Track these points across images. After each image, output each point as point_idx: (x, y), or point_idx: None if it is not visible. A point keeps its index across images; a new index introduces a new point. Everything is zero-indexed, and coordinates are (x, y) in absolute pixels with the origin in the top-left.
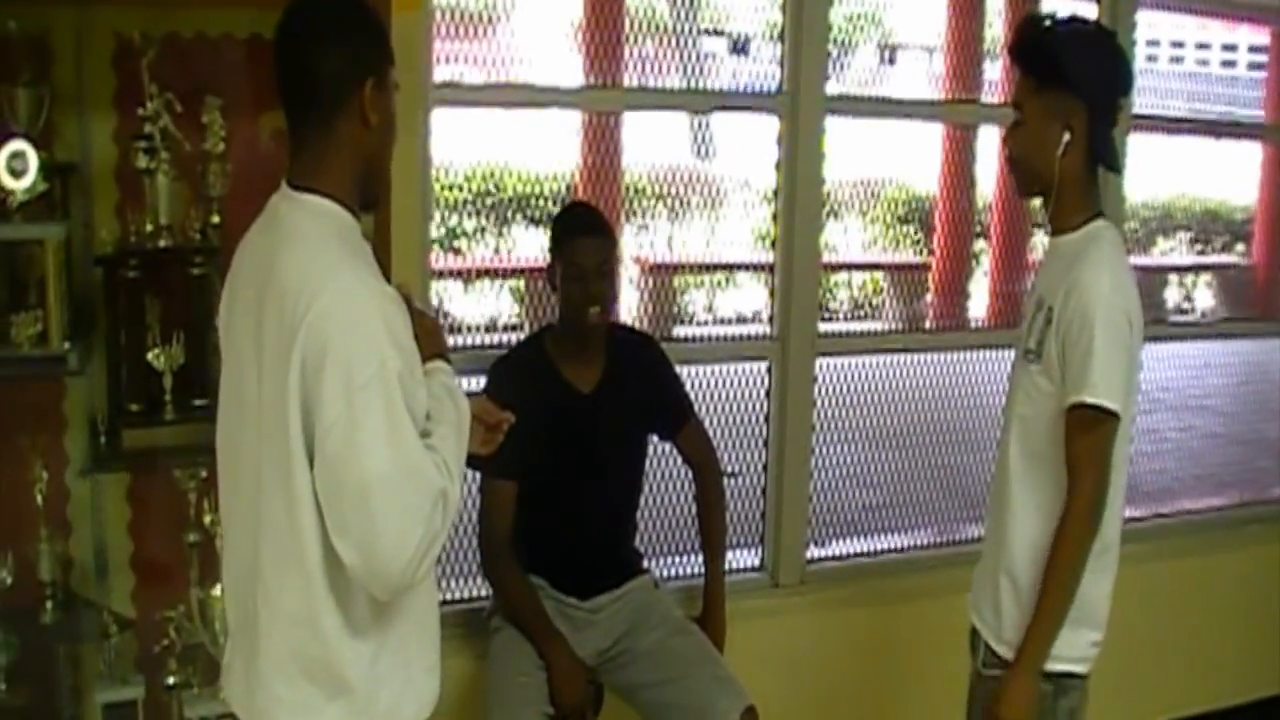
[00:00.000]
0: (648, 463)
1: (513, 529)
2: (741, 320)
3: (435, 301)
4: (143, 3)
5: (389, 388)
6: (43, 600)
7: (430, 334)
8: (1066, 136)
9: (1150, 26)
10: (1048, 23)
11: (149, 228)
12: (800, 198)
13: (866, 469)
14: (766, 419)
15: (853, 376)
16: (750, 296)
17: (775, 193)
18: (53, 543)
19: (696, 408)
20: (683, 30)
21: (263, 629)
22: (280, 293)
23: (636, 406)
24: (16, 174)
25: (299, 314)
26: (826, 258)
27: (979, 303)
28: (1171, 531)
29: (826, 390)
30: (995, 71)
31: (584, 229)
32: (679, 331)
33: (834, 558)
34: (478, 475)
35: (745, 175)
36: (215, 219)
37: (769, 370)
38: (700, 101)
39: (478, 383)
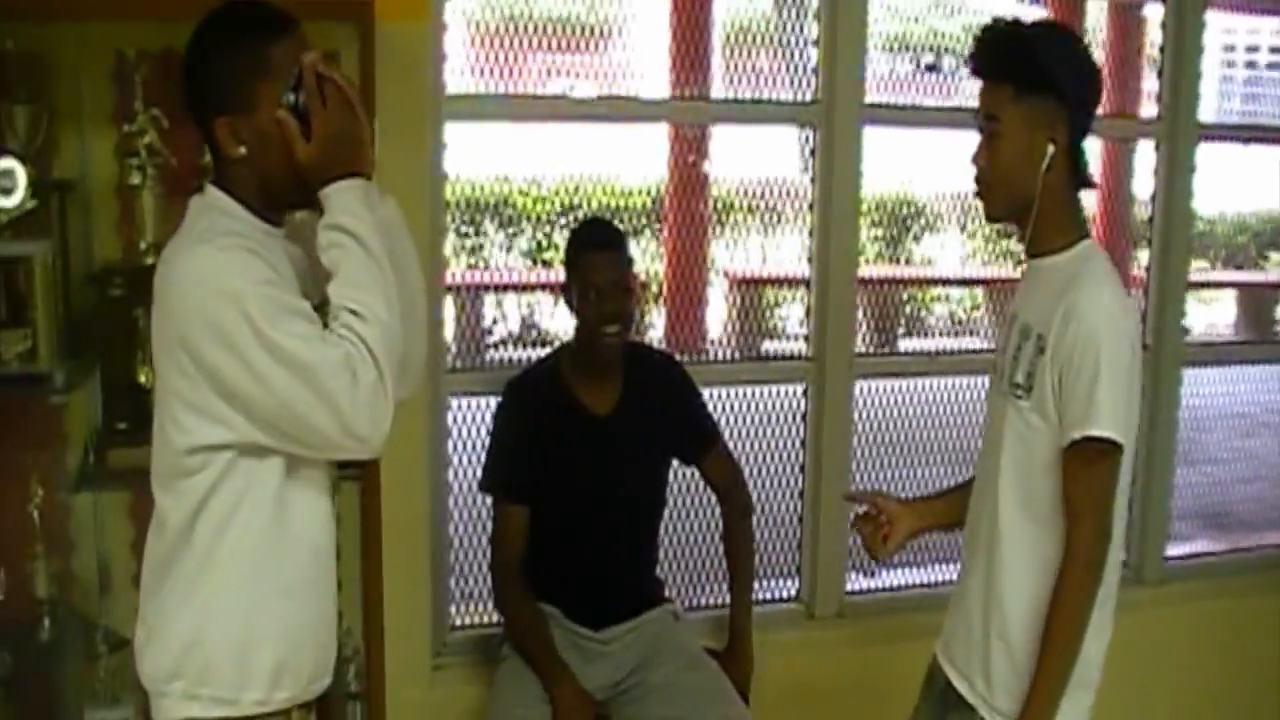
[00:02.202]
0: (674, 487)
1: (525, 555)
2: None
3: (525, 311)
4: (141, 19)
5: (258, 320)
6: (40, 617)
7: (339, 133)
8: (1051, 149)
9: (1226, 33)
10: (1016, 24)
11: (142, 244)
12: (835, 212)
13: (917, 489)
14: (803, 444)
15: (902, 392)
16: None
17: (810, 207)
18: (49, 560)
19: (730, 431)
20: (789, 42)
21: None
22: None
23: (656, 429)
24: (6, 191)
25: (168, 313)
26: (925, 272)
27: None
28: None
29: (874, 405)
30: None
31: (597, 245)
32: (767, 346)
33: (875, 589)
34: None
35: None
36: None
37: (805, 393)
38: (735, 112)
39: None
